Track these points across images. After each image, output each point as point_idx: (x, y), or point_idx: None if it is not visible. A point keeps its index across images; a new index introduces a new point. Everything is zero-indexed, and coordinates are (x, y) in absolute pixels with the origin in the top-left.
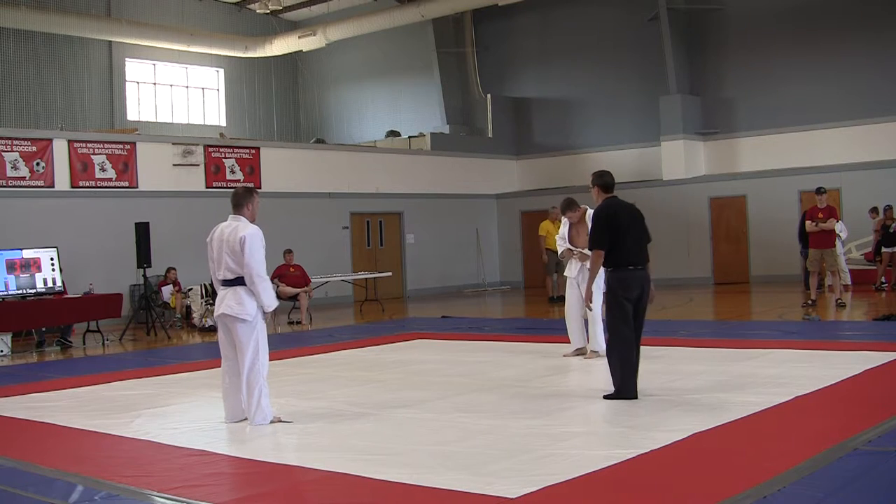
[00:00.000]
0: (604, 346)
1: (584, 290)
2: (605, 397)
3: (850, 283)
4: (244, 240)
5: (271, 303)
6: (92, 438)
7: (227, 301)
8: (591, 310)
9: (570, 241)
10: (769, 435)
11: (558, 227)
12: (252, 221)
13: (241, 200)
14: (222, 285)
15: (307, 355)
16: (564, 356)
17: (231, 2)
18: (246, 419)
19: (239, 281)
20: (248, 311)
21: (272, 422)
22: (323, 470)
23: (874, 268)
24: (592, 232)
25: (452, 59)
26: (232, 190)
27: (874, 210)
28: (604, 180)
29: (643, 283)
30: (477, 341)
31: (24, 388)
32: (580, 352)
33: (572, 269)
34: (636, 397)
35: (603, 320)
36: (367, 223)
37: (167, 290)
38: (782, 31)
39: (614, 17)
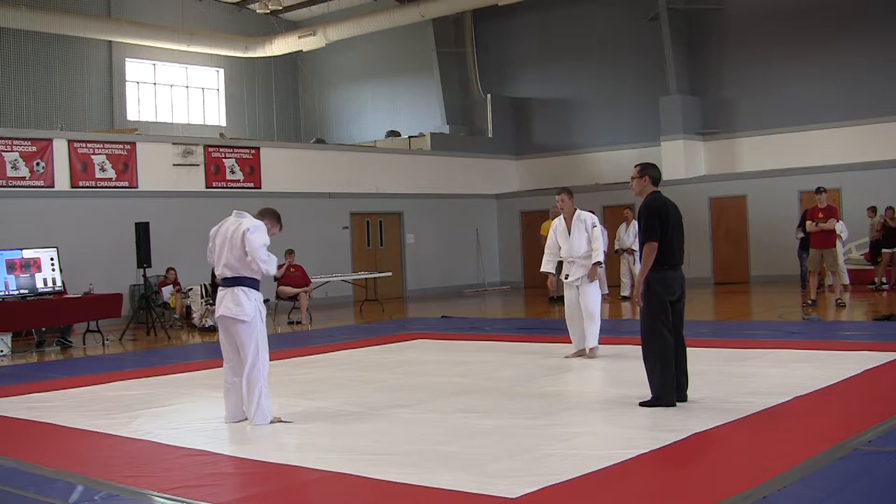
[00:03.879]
0: (596, 343)
1: (636, 286)
2: (642, 404)
3: (847, 282)
4: (246, 232)
5: (271, 269)
6: (92, 438)
7: (226, 302)
8: (639, 306)
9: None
10: (769, 435)
11: None
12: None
13: (260, 212)
14: (221, 284)
15: (307, 355)
16: (566, 357)
17: (231, 2)
18: (246, 419)
19: (237, 281)
20: (246, 311)
21: (272, 422)
22: (323, 470)
23: (872, 268)
24: (645, 224)
25: (452, 59)
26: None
27: (872, 209)
28: (655, 172)
29: (681, 284)
30: (477, 341)
31: (24, 388)
32: (581, 353)
33: (571, 272)
34: (675, 405)
35: (598, 319)
36: (367, 223)
37: (167, 291)
38: (782, 31)
39: (614, 17)
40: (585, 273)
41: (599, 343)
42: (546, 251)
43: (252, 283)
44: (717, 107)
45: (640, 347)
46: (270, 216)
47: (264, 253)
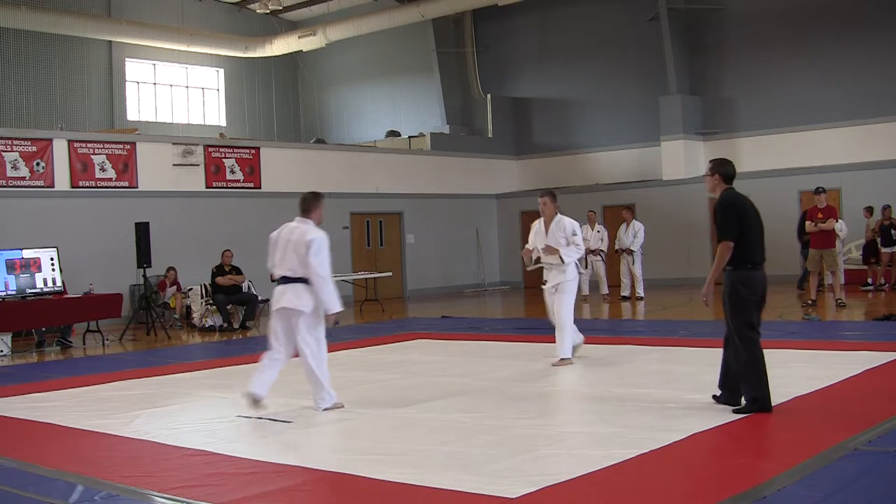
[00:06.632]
0: (569, 353)
1: (706, 284)
2: (736, 411)
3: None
4: (311, 242)
5: (334, 305)
6: (92, 438)
7: (287, 296)
8: (707, 305)
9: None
10: (769, 435)
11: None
12: (318, 225)
13: (310, 205)
14: (280, 282)
15: None
16: (553, 365)
17: (231, 2)
18: (263, 398)
19: (299, 280)
20: (305, 303)
21: (335, 406)
22: (323, 470)
23: (865, 268)
24: (722, 222)
25: (452, 59)
26: (301, 195)
27: (869, 209)
28: (727, 169)
29: (764, 283)
30: (477, 341)
31: (24, 388)
32: (565, 361)
33: (550, 278)
34: (771, 409)
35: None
36: (367, 223)
37: (171, 292)
38: (782, 31)
39: (614, 17)
40: (563, 279)
41: (589, 343)
42: (527, 247)
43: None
44: (717, 107)
45: (639, 347)
46: (316, 205)
47: (327, 271)
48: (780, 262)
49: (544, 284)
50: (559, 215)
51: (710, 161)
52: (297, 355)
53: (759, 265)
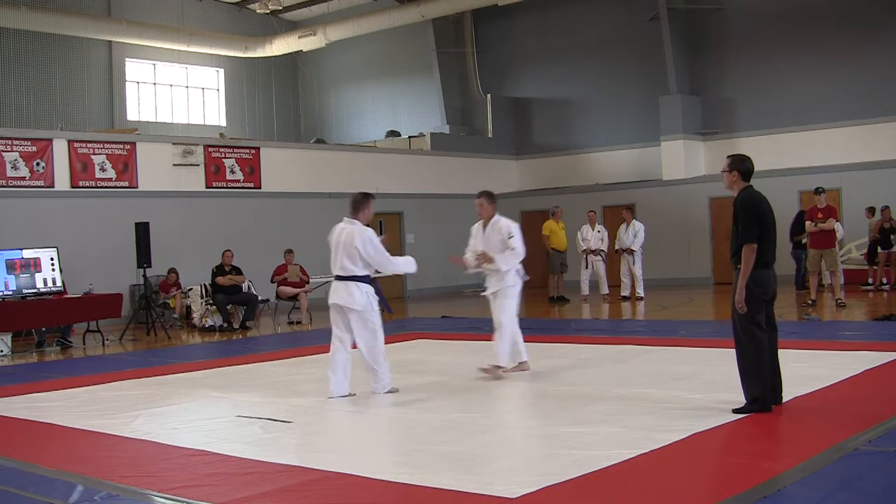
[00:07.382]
0: (505, 360)
1: (737, 291)
2: (735, 411)
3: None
4: (360, 249)
5: (411, 268)
6: (92, 438)
7: (340, 292)
8: (741, 311)
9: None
10: (769, 435)
11: (562, 227)
12: (365, 224)
13: (358, 206)
14: (336, 279)
15: (307, 355)
16: (503, 372)
17: (231, 2)
18: (348, 395)
19: (350, 278)
20: (357, 301)
21: (390, 391)
22: (323, 470)
23: (866, 268)
24: (744, 225)
25: (452, 59)
26: (351, 195)
27: (870, 210)
28: (745, 166)
29: (775, 283)
30: (477, 341)
31: (24, 388)
32: (522, 366)
33: (490, 284)
34: (771, 409)
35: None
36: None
37: (171, 292)
38: (782, 31)
39: (614, 17)
40: (502, 285)
41: (590, 343)
42: (468, 251)
43: (363, 279)
44: (717, 107)
45: (639, 348)
46: (365, 205)
47: (387, 256)
48: (779, 262)
49: (483, 291)
50: (497, 216)
51: (728, 157)
52: (354, 346)
53: (770, 265)
